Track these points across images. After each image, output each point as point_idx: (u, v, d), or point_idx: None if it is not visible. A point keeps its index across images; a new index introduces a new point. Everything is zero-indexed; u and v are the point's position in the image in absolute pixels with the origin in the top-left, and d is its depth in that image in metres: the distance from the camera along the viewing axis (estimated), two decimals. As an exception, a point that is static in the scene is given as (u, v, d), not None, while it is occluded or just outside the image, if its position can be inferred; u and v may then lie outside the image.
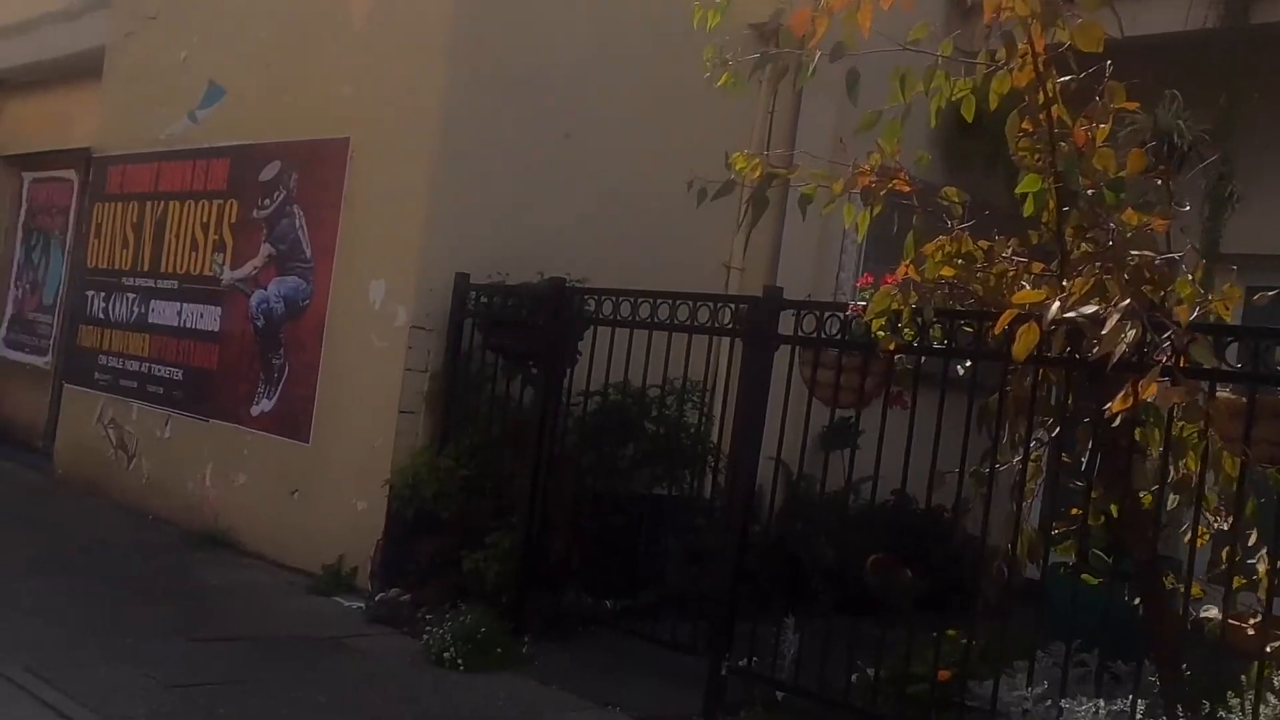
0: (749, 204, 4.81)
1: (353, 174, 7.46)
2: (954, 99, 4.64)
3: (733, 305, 5.78)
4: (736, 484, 5.69)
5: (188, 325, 8.75)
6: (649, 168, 7.53)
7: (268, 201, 8.11)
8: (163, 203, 9.20)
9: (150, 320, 9.17)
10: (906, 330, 4.73)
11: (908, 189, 4.66)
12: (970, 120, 4.68)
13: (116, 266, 9.66)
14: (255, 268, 8.15)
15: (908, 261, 4.60)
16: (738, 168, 4.71)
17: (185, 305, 8.80)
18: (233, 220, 8.43)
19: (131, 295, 9.43)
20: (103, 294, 9.79)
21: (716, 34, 4.73)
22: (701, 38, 4.71)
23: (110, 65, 10.12)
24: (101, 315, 9.77)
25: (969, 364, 4.81)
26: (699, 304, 5.77)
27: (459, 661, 5.56)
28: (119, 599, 6.32)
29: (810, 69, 4.59)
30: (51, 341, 11.49)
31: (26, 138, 12.27)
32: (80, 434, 9.88)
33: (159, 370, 9.00)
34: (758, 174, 4.69)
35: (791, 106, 8.30)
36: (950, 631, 4.92)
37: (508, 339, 6.76)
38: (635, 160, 7.60)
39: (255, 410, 7.98)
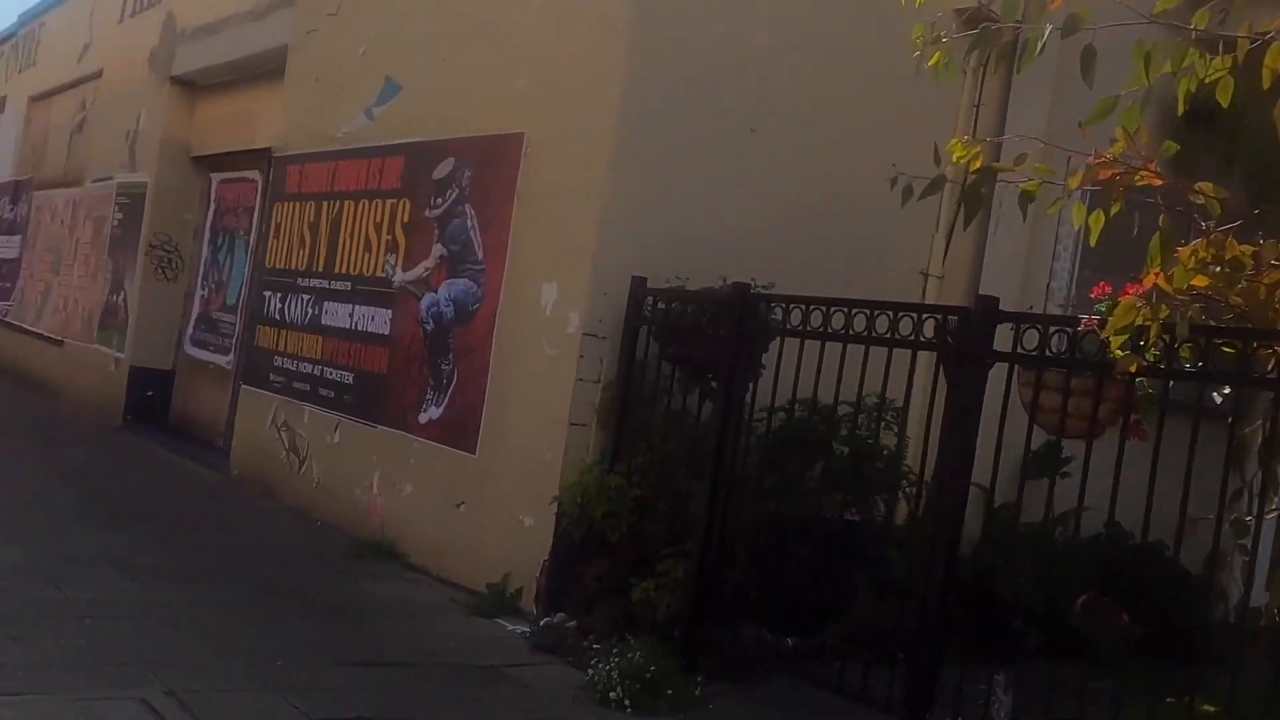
0: (961, 201, 4.19)
1: (526, 171, 7.10)
2: (1209, 80, 3.92)
3: (938, 316, 5.14)
4: (941, 513, 5.05)
5: (359, 328, 8.56)
6: (839, 166, 6.95)
7: (440, 200, 7.83)
8: (338, 202, 9.04)
9: (323, 322, 9.02)
10: (1151, 350, 4.04)
11: (1159, 183, 3.95)
12: (1226, 104, 3.96)
13: (293, 267, 9.57)
14: (426, 269, 7.88)
15: (1155, 268, 3.90)
16: (955, 157, 4.07)
17: (357, 307, 8.61)
18: (405, 220, 8.18)
19: (306, 296, 9.31)
20: (279, 294, 9.71)
21: (924, 13, 4.14)
22: (896, 26, 4.14)
23: (292, 63, 10.06)
24: (277, 316, 9.70)
25: (1227, 391, 4.08)
26: (899, 314, 5.15)
27: (626, 703, 5.08)
28: (274, 611, 6.08)
29: (1040, 44, 3.93)
30: (234, 341, 11.55)
31: (215, 139, 12.41)
32: (255, 435, 9.83)
33: (330, 373, 8.83)
34: (978, 164, 4.04)
35: (998, 97, 7.56)
36: (1208, 706, 4.18)
37: (686, 348, 6.26)
38: (824, 158, 7.01)
39: (423, 418, 7.69)
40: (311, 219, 9.37)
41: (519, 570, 6.60)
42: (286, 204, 9.80)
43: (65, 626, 5.25)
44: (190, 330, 12.61)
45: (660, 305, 6.37)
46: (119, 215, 13.53)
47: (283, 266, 9.73)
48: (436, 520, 7.44)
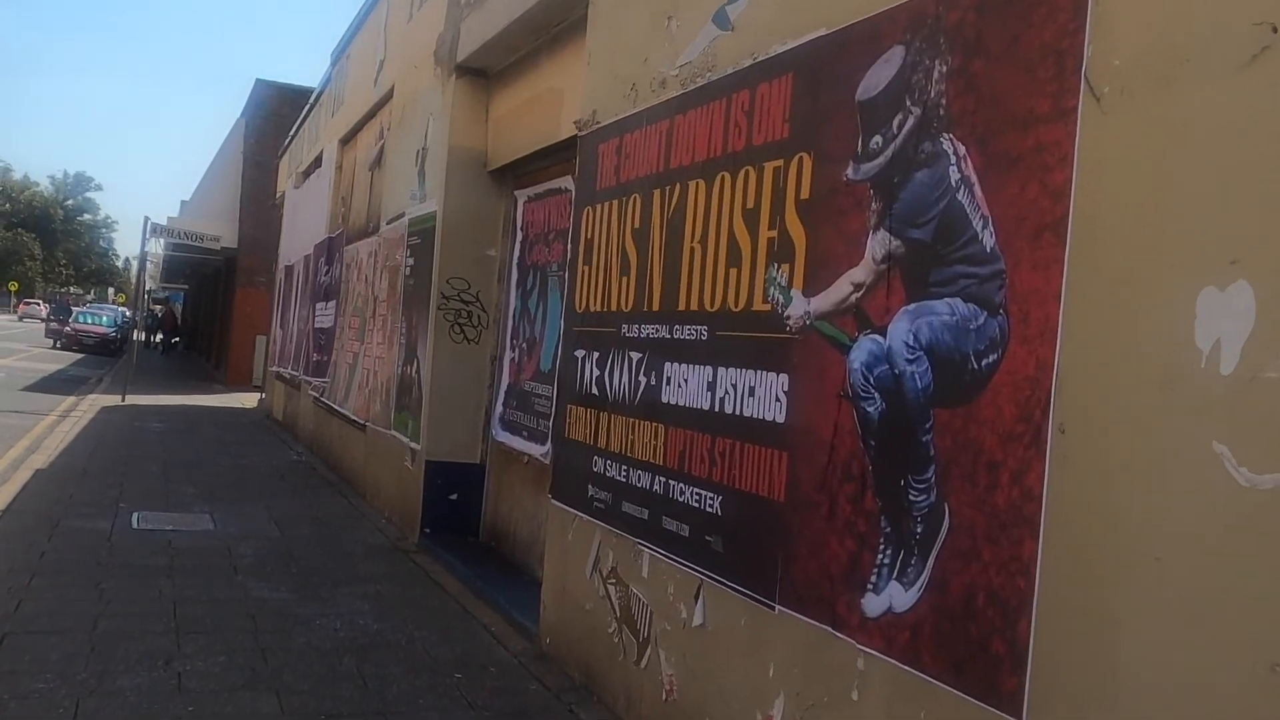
0: None
1: (1104, 19, 2.89)
2: None
3: None
4: None
5: (727, 409, 4.57)
6: None
7: (877, 141, 3.73)
8: (677, 186, 5.14)
9: (664, 398, 5.11)
10: None
11: None
12: None
13: (612, 307, 5.74)
14: (856, 286, 3.79)
15: None
16: None
17: (721, 370, 4.64)
18: (804, 194, 4.14)
19: (634, 354, 5.44)
20: (595, 353, 5.91)
21: None
22: None
23: (597, -14, 6.33)
24: (594, 389, 5.89)
25: None
26: None
27: None
28: None
29: None
30: (551, 422, 7.91)
31: (514, 139, 8.90)
32: (570, 584, 6.06)
33: (681, 491, 4.89)
34: None
35: None
36: None
37: None
38: None
39: (871, 605, 3.57)
40: (637, 223, 5.53)
41: None
42: (600, 207, 6.01)
43: None
44: (499, 408, 9.13)
45: None
46: (410, 260, 10.32)
47: (598, 308, 5.92)
48: None
